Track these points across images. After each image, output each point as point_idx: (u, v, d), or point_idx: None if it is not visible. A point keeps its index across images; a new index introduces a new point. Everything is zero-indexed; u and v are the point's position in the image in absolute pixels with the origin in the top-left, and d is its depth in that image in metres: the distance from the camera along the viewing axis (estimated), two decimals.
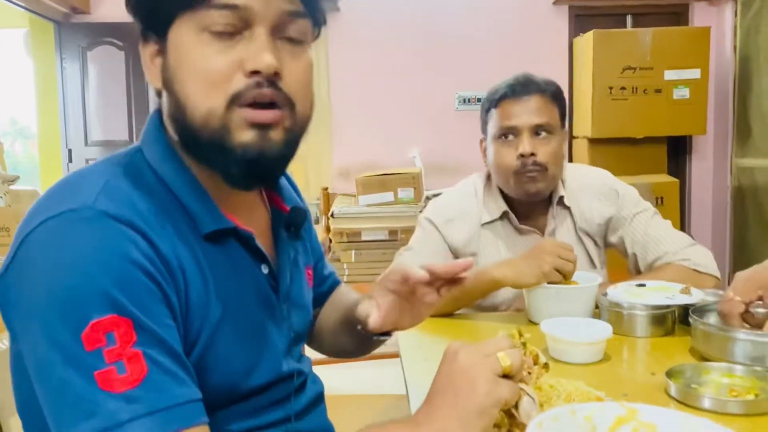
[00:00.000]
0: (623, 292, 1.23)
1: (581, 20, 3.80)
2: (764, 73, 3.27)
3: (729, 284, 1.06)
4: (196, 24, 0.64)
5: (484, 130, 1.44)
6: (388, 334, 0.86)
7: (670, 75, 3.35)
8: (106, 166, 0.67)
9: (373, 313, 0.81)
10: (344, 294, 0.98)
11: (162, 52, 0.67)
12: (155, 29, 0.67)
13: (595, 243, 1.44)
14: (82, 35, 3.74)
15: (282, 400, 0.76)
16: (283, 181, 0.84)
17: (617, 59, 3.34)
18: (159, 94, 0.71)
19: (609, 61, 3.34)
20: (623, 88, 3.36)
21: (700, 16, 3.80)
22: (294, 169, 1.03)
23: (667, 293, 1.22)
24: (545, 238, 1.40)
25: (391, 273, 0.79)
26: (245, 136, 0.64)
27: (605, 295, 1.23)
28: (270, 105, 0.64)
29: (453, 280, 0.77)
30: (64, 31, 3.74)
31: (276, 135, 0.65)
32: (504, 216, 1.41)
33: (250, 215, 0.75)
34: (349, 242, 3.14)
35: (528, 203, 1.40)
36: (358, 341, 0.88)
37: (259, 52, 0.63)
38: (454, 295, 1.24)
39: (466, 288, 1.27)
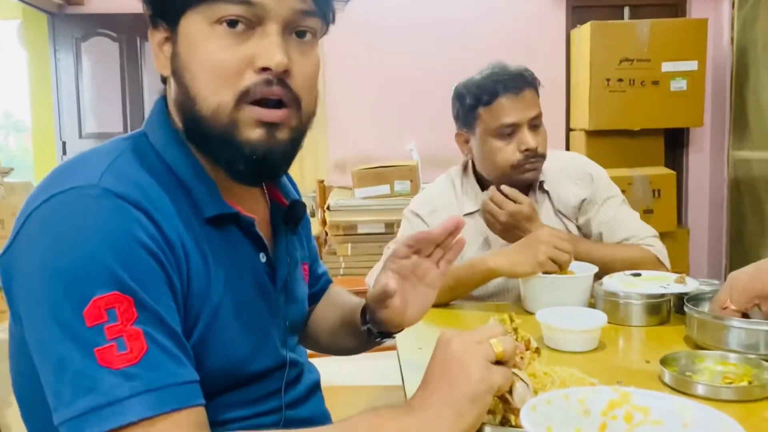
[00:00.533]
0: (618, 282, 1.23)
1: (578, 12, 3.79)
2: (761, 65, 3.27)
3: (724, 277, 1.06)
4: (209, 16, 0.64)
5: (466, 125, 1.41)
6: (390, 335, 0.87)
7: (667, 67, 3.34)
8: (112, 148, 0.67)
9: (390, 284, 0.78)
10: (339, 294, 0.99)
11: (171, 39, 0.67)
12: (166, 17, 0.67)
13: (573, 223, 1.47)
14: (76, 27, 3.72)
15: (278, 390, 0.76)
16: None
17: (614, 51, 3.33)
18: (164, 81, 0.72)
19: (606, 53, 3.33)
20: (620, 80, 3.35)
21: (697, 8, 3.79)
22: None
23: (661, 282, 1.22)
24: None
25: (396, 251, 0.79)
26: (253, 133, 0.65)
27: (601, 284, 1.23)
28: (278, 104, 0.66)
29: (450, 248, 0.79)
30: (57, 22, 3.71)
31: (282, 134, 0.67)
32: None
33: (251, 205, 0.76)
34: (345, 235, 3.14)
35: None
36: (359, 341, 0.89)
37: (270, 49, 0.64)
38: (449, 285, 1.27)
39: (461, 278, 1.29)
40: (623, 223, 1.42)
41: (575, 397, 0.60)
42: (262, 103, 0.65)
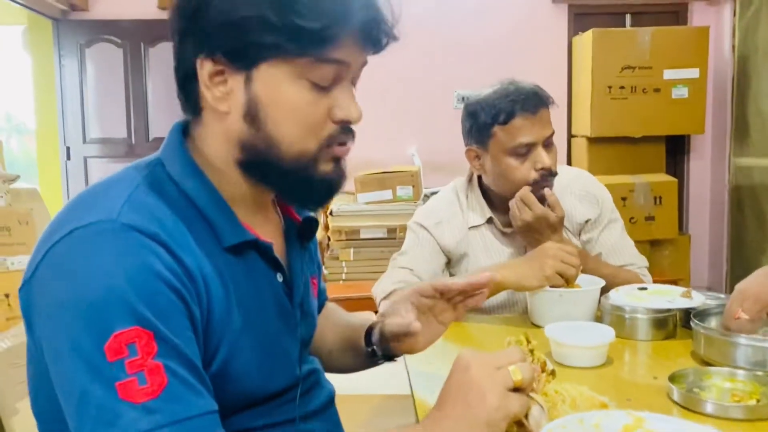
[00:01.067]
0: (625, 296, 1.24)
1: (580, 19, 3.80)
2: (762, 73, 3.28)
3: (725, 284, 1.08)
4: (295, 70, 0.66)
5: (479, 142, 1.40)
6: (392, 358, 0.90)
7: (669, 74, 3.36)
8: (130, 178, 0.68)
9: (416, 325, 0.82)
10: (336, 311, 1.01)
11: (236, 78, 0.66)
12: (242, 58, 0.66)
13: (576, 238, 1.49)
14: (81, 32, 3.73)
15: (292, 401, 0.77)
16: None
17: (616, 58, 3.34)
18: (191, 110, 0.71)
19: (608, 60, 3.34)
20: (622, 87, 3.36)
21: (698, 16, 3.80)
22: None
23: (668, 297, 1.23)
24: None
25: (423, 290, 0.83)
26: (327, 167, 0.71)
27: (607, 298, 1.24)
28: None
29: (472, 296, 0.81)
30: (62, 28, 3.72)
31: (344, 164, 0.74)
32: (489, 221, 1.45)
33: (265, 224, 0.77)
34: (347, 240, 3.14)
35: None
36: (360, 361, 0.92)
37: (350, 104, 0.71)
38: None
39: None
40: (625, 249, 1.47)
41: (590, 421, 0.61)
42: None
